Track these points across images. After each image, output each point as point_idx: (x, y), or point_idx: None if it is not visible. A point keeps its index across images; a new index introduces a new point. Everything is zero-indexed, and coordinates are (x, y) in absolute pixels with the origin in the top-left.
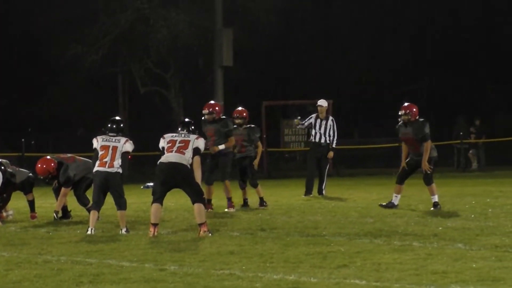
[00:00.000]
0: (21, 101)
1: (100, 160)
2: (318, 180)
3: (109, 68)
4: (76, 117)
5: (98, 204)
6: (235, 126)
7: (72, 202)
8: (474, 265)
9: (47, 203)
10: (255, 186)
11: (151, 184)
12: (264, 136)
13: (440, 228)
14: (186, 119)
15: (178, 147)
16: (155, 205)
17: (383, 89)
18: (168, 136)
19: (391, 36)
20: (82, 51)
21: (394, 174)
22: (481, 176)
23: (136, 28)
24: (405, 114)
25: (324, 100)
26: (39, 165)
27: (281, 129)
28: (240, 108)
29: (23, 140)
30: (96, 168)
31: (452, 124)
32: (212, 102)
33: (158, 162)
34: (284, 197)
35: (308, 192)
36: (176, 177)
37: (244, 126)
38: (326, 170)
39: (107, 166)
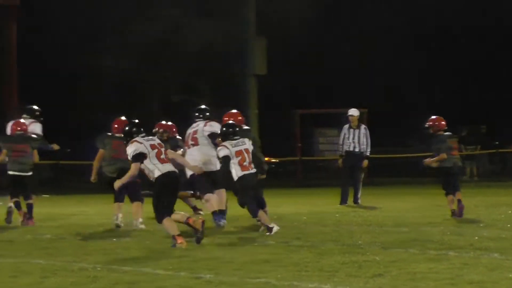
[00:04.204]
0: (56, 109)
1: (241, 165)
2: (353, 189)
3: (142, 77)
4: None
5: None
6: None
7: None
8: (510, 275)
9: (83, 211)
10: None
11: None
12: (299, 144)
13: (476, 237)
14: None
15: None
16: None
17: (417, 97)
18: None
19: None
20: (116, 59)
21: (430, 183)
22: None
23: (169, 36)
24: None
25: (355, 109)
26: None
27: (315, 138)
28: None
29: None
30: (241, 173)
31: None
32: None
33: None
34: (319, 206)
35: (343, 201)
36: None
37: None
38: (361, 179)
39: (250, 168)
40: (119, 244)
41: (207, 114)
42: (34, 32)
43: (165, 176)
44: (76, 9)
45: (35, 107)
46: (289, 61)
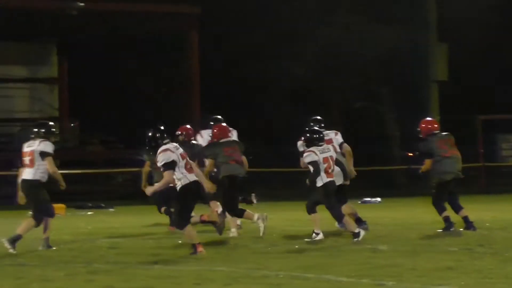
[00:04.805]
0: (234, 117)
1: (327, 172)
2: None
3: (322, 84)
4: (286, 133)
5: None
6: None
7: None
8: None
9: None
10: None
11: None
12: (481, 150)
13: None
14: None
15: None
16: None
17: None
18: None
19: None
20: (296, 67)
21: None
22: None
23: (350, 42)
24: None
25: None
26: None
27: (498, 144)
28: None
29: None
30: (327, 180)
31: None
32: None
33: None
34: (503, 212)
35: None
36: None
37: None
38: None
39: (334, 176)
40: (301, 251)
41: (322, 124)
42: (216, 40)
43: (192, 184)
44: (256, 17)
45: (219, 116)
46: (471, 66)
